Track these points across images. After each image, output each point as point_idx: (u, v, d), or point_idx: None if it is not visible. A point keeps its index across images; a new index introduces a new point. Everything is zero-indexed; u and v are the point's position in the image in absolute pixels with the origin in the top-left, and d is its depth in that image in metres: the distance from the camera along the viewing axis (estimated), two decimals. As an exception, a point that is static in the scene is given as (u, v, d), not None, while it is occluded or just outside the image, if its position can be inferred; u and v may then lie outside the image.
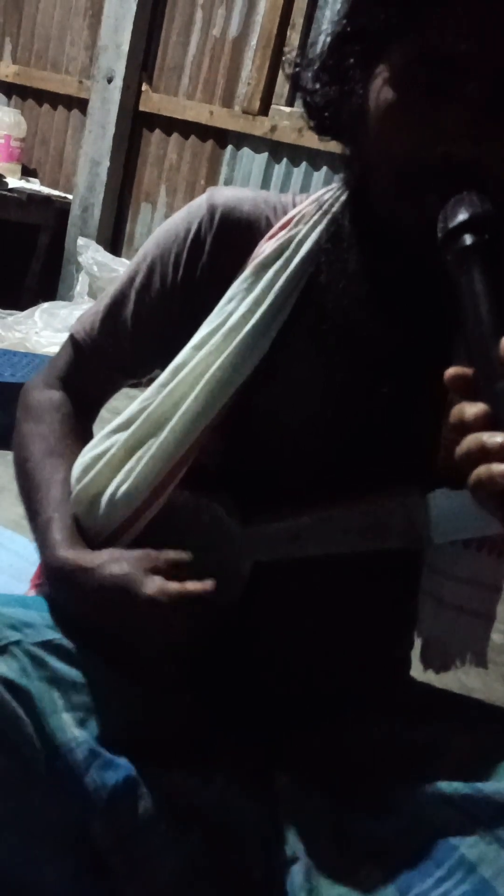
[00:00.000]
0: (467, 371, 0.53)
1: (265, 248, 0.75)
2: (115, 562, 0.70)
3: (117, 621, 0.70)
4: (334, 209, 0.75)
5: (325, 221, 0.74)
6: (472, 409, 0.52)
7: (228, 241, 0.77)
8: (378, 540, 0.73)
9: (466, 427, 0.51)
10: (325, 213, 0.75)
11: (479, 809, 0.64)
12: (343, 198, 0.74)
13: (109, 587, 0.69)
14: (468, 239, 0.57)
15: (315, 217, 0.75)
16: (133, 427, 0.74)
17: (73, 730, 0.66)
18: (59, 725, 0.65)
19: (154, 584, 0.68)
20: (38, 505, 0.78)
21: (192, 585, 0.68)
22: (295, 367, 0.75)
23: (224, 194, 0.79)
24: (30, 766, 0.64)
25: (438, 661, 0.82)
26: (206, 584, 0.68)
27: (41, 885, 0.67)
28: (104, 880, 0.67)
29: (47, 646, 0.68)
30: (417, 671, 0.87)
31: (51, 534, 0.74)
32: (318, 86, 0.72)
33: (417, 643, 0.86)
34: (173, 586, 0.68)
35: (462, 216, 0.58)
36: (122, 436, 0.75)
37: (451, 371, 0.53)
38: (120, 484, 0.74)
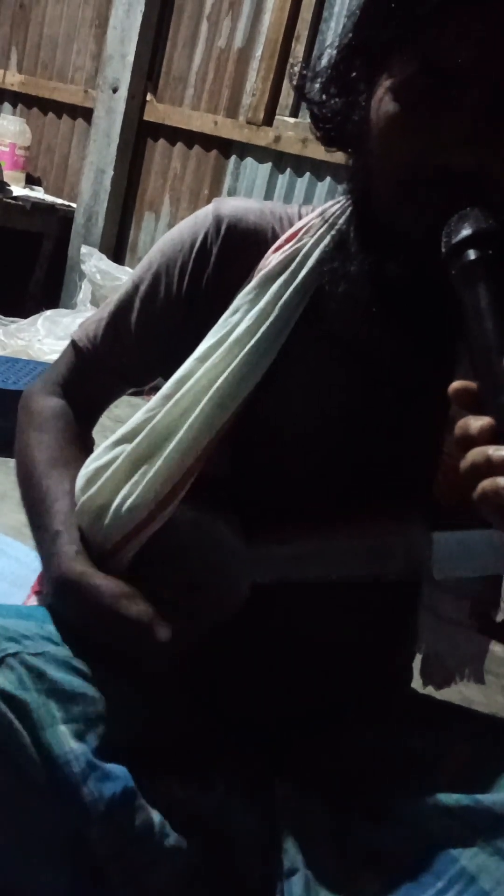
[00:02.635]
0: (472, 385, 0.53)
1: (271, 259, 0.75)
2: (132, 597, 0.69)
3: (124, 650, 0.70)
4: (340, 221, 0.75)
5: (330, 234, 0.74)
6: (477, 423, 0.52)
7: (234, 251, 0.77)
8: (379, 569, 0.73)
9: (471, 440, 0.52)
10: (331, 225, 0.75)
11: (478, 820, 0.64)
12: (348, 210, 0.75)
13: (126, 621, 0.68)
14: (472, 254, 0.57)
15: (321, 229, 0.75)
16: (138, 439, 0.74)
17: (70, 742, 0.65)
18: (56, 737, 0.65)
19: (167, 632, 0.68)
20: (44, 515, 0.77)
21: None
22: (300, 379, 0.75)
23: (230, 205, 0.79)
24: (27, 778, 0.64)
25: (438, 677, 0.82)
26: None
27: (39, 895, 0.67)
28: (102, 890, 0.67)
29: (45, 657, 0.68)
30: (418, 683, 0.87)
31: (62, 546, 0.73)
32: (325, 97, 0.73)
33: (418, 657, 0.86)
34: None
35: (466, 231, 0.58)
36: (127, 447, 0.74)
37: (455, 385, 0.54)
38: (126, 496, 0.73)
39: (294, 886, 0.67)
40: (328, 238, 0.74)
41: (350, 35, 0.69)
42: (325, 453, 0.75)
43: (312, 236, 0.75)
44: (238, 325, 0.73)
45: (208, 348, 0.74)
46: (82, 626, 0.71)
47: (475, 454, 0.51)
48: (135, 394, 0.93)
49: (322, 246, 0.74)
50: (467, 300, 0.56)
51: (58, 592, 0.73)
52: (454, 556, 0.71)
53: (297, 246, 0.75)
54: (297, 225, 0.77)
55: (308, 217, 0.77)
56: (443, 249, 0.59)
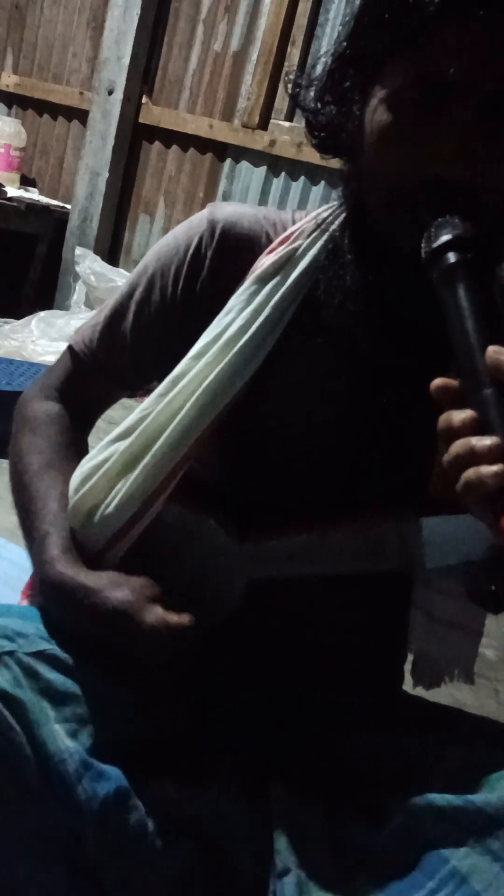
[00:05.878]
0: (453, 382, 0.55)
1: (265, 261, 0.76)
2: (116, 586, 0.70)
3: (115, 642, 0.70)
4: (333, 226, 0.75)
5: (323, 238, 0.75)
6: (459, 416, 0.53)
7: (229, 256, 0.78)
8: (372, 562, 0.74)
9: (454, 433, 0.53)
10: (324, 229, 0.76)
11: (470, 821, 0.65)
12: (342, 215, 0.75)
13: (110, 611, 0.69)
14: (452, 257, 0.59)
15: (314, 233, 0.76)
16: (131, 437, 0.75)
17: (64, 741, 0.66)
18: (50, 736, 0.65)
19: (154, 615, 0.69)
20: (34, 518, 0.77)
21: (187, 617, 0.69)
22: (291, 381, 0.75)
23: (224, 210, 0.79)
24: (22, 777, 0.64)
25: (429, 677, 0.83)
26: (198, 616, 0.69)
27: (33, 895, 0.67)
28: (96, 891, 0.67)
29: (40, 656, 0.68)
30: (410, 686, 0.88)
31: (48, 548, 0.74)
32: (319, 106, 0.73)
33: (409, 658, 0.86)
34: (172, 618, 0.69)
35: (446, 237, 0.60)
36: (121, 446, 0.75)
37: (436, 382, 0.55)
38: (115, 495, 0.74)
39: (286, 887, 0.68)
40: (321, 241, 0.75)
41: (344, 44, 0.70)
42: (317, 450, 0.76)
43: (306, 239, 0.75)
44: (231, 324, 0.74)
45: (202, 347, 0.75)
46: (72, 627, 0.71)
47: (458, 445, 0.52)
48: (129, 396, 0.94)
49: (315, 249, 0.75)
50: (449, 302, 0.58)
51: (46, 594, 0.74)
52: (443, 541, 0.71)
53: (290, 248, 0.75)
54: (291, 229, 0.77)
55: (301, 222, 0.78)
56: (423, 255, 0.61)
